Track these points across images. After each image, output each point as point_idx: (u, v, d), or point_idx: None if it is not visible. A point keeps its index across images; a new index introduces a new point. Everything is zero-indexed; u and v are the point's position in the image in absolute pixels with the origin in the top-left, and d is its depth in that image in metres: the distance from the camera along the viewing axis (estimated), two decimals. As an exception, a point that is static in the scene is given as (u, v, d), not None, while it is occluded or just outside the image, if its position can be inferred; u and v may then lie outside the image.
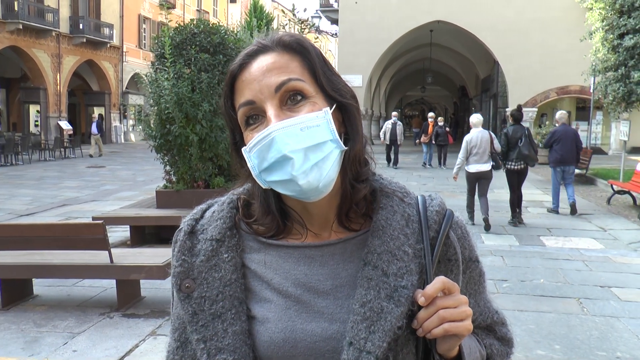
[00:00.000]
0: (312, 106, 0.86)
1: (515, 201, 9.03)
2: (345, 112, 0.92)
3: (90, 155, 23.36)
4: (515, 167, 8.81)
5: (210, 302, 0.90)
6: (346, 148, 0.88)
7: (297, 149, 0.82)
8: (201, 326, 0.90)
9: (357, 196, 0.92)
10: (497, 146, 8.76)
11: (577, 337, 4.49)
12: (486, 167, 8.65)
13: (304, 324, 0.88)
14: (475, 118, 9.11)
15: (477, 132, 8.76)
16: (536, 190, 12.98)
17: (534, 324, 4.76)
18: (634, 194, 10.70)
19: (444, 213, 0.93)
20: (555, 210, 10.11)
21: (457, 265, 0.92)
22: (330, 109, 0.87)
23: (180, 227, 0.99)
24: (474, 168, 8.70)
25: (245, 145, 0.89)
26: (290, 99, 0.87)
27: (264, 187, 0.89)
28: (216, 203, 1.01)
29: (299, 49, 0.90)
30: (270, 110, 0.85)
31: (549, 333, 4.56)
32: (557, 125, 10.22)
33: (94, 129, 24.06)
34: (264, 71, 0.87)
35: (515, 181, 8.97)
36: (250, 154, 0.86)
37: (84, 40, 29.60)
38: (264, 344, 0.89)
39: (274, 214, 0.94)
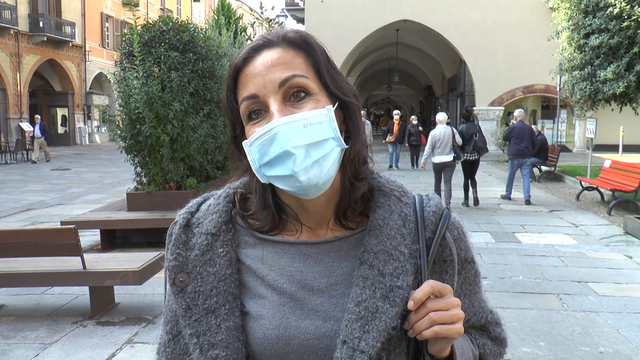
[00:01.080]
0: (315, 103, 0.87)
1: (468, 186, 10.65)
2: (346, 111, 0.92)
3: (33, 161, 21.21)
4: (470, 158, 10.36)
5: (204, 297, 0.90)
6: (347, 146, 0.88)
7: (299, 145, 0.82)
8: (194, 321, 0.89)
9: (355, 194, 0.93)
10: (459, 140, 10.14)
11: (560, 333, 4.51)
12: (449, 158, 9.96)
13: (297, 321, 0.88)
14: (441, 116, 10.34)
15: (441, 128, 10.00)
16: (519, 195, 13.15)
17: (516, 321, 4.76)
18: (602, 190, 10.95)
19: (440, 213, 0.94)
20: (508, 197, 11.27)
21: (453, 266, 0.92)
22: (333, 106, 0.88)
23: (175, 220, 0.97)
24: (438, 159, 10.00)
25: (246, 139, 0.88)
26: (294, 95, 0.87)
27: (262, 182, 0.89)
28: (212, 196, 1.00)
29: (304, 46, 0.90)
30: (274, 106, 0.85)
31: (532, 330, 4.56)
32: (515, 122, 11.34)
33: (37, 131, 21.71)
34: (269, 66, 0.87)
35: (469, 169, 10.55)
36: (251, 148, 0.86)
37: (45, 38, 28.74)
38: (257, 340, 0.88)
39: (271, 208, 0.94)
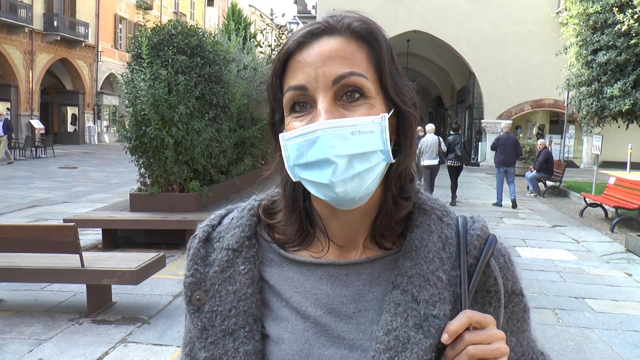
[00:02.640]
0: (369, 109, 0.77)
1: (454, 187, 12.43)
2: (401, 119, 0.82)
3: None
4: (453, 164, 12.30)
5: (222, 318, 0.82)
6: (394, 161, 0.79)
7: (343, 155, 0.74)
8: (210, 343, 0.82)
9: (399, 214, 0.84)
10: (444, 147, 12.05)
11: (553, 348, 4.50)
12: (435, 162, 11.87)
13: (321, 348, 0.80)
14: (429, 126, 12.22)
15: (430, 137, 11.89)
16: (509, 202, 13.11)
17: (510, 335, 4.75)
18: (606, 207, 10.90)
19: (485, 238, 0.84)
20: (499, 204, 12.17)
21: (498, 298, 0.82)
22: (388, 113, 0.78)
23: (195, 233, 0.91)
24: (426, 162, 11.85)
25: (284, 130, 0.80)
26: (347, 94, 0.77)
27: (294, 180, 0.80)
28: (236, 209, 0.93)
29: (370, 39, 0.80)
30: (322, 104, 0.76)
31: (525, 344, 4.55)
32: (502, 133, 12.50)
33: None
34: (326, 57, 0.77)
35: (454, 173, 12.38)
36: (288, 143, 0.78)
37: (58, 38, 29.08)
38: None
39: (300, 214, 0.86)
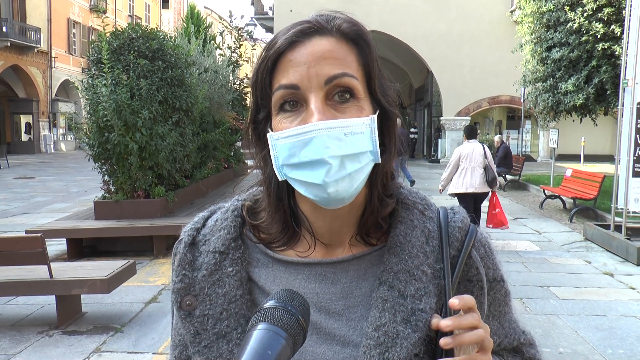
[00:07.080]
0: (359, 110, 0.78)
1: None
2: (386, 120, 0.83)
3: None
4: None
5: (214, 321, 0.82)
6: (380, 161, 0.80)
7: (337, 155, 0.74)
8: (204, 347, 0.82)
9: (384, 212, 0.85)
10: None
11: (522, 337, 4.64)
12: None
13: (314, 346, 0.80)
14: None
15: None
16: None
17: (481, 325, 4.88)
18: (564, 198, 11.28)
19: (466, 230, 0.86)
20: (411, 181, 14.19)
21: (480, 287, 0.85)
22: (375, 114, 0.80)
23: (180, 238, 0.90)
24: None
25: (272, 128, 0.80)
26: (339, 95, 0.77)
27: (280, 180, 0.80)
28: (219, 210, 0.93)
29: (359, 42, 0.81)
30: (314, 103, 0.75)
31: (496, 334, 4.69)
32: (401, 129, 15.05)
33: None
34: (318, 57, 0.77)
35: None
36: (278, 143, 0.77)
37: (8, 44, 28.09)
38: None
39: (285, 212, 0.86)
